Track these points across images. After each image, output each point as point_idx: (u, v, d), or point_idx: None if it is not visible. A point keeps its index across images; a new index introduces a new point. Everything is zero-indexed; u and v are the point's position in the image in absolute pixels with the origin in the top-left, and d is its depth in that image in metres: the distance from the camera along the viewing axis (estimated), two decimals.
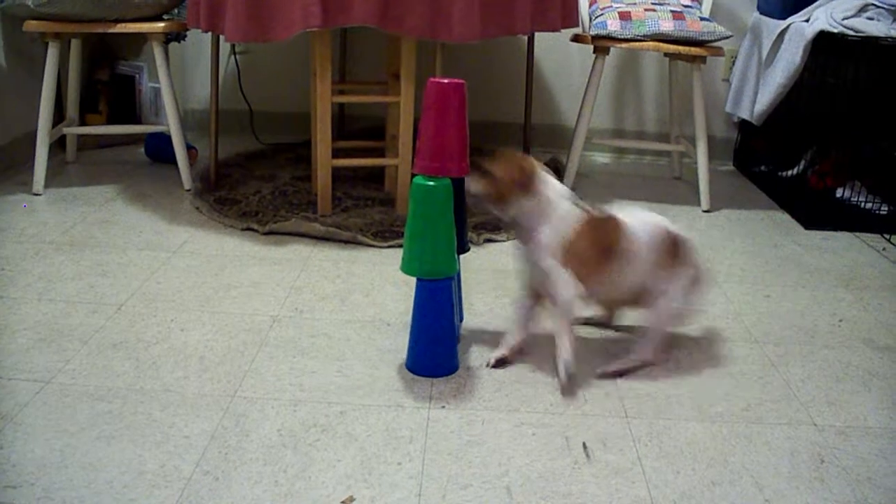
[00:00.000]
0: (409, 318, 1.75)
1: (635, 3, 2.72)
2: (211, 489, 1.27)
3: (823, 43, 2.60)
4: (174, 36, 3.18)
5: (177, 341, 1.72)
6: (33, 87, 2.76)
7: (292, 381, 1.59)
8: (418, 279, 1.59)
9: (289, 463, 1.34)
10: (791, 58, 2.69)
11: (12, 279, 1.97)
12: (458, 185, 1.60)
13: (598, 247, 1.59)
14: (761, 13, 3.10)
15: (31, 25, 2.48)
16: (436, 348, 1.62)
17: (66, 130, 2.77)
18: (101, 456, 1.33)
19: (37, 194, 2.58)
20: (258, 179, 2.83)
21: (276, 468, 1.33)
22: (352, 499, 1.26)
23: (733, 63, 3.30)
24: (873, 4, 2.63)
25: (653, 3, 2.71)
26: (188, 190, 2.72)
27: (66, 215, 2.39)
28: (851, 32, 2.57)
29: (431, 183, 1.51)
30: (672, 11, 2.65)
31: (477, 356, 1.71)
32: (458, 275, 1.78)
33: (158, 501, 1.23)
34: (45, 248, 2.17)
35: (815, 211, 2.74)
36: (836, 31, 2.59)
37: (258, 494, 1.26)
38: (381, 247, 2.28)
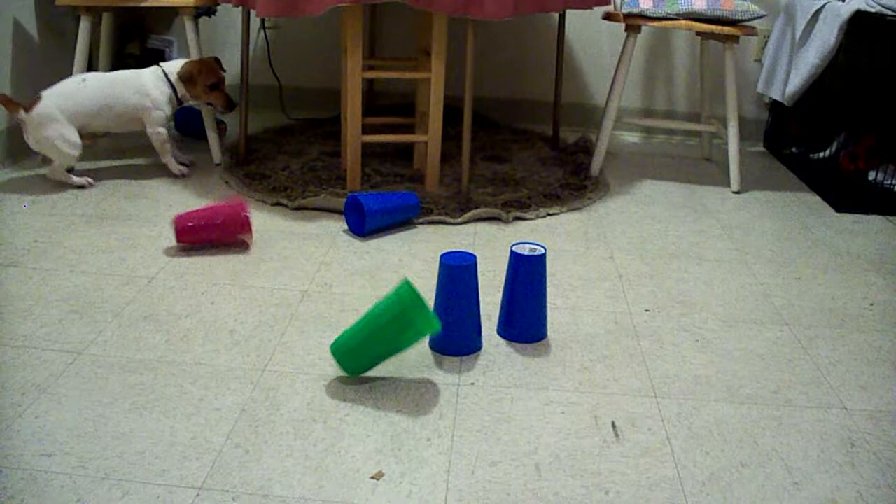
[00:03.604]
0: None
1: None
2: (241, 462, 1.28)
3: (860, 23, 2.56)
4: (204, 10, 3.18)
5: (207, 315, 1.74)
6: (65, 60, 2.78)
7: (322, 356, 1.60)
8: (443, 263, 1.59)
9: (319, 437, 1.35)
10: (825, 38, 2.65)
11: (45, 251, 1.99)
12: None
13: None
14: None
15: None
16: (458, 328, 1.62)
17: None
18: (134, 427, 1.35)
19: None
20: (287, 154, 2.83)
21: (307, 442, 1.34)
22: (381, 474, 1.27)
23: (766, 43, 3.26)
24: None
25: None
26: (218, 164, 2.73)
27: (96, 189, 2.41)
28: (890, 12, 2.53)
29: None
30: None
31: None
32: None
33: (190, 472, 1.25)
34: (76, 221, 2.19)
35: (847, 194, 2.71)
36: (873, 10, 2.54)
37: (288, 468, 1.27)
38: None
